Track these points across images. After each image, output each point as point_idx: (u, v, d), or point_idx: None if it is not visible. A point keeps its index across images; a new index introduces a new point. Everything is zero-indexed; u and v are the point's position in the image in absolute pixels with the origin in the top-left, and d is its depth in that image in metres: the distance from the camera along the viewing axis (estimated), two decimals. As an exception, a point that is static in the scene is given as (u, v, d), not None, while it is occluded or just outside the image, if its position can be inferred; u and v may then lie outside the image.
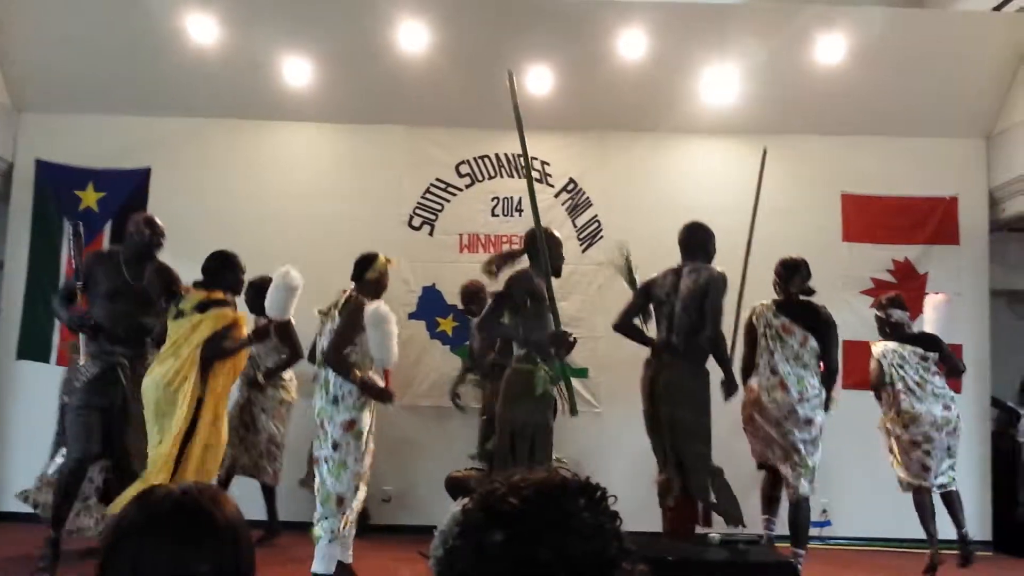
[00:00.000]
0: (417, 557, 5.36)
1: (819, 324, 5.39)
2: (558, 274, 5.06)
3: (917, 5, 7.30)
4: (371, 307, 4.63)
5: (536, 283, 4.84)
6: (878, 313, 6.13)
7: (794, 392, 5.26)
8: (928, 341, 5.87)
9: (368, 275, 4.91)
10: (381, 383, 4.70)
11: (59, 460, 5.48)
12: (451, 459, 6.48)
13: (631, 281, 5.53)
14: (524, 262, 5.01)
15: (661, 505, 5.11)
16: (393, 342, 4.65)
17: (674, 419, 4.94)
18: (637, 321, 5.33)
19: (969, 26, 7.07)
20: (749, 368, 5.56)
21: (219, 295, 5.07)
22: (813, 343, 5.37)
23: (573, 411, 5.08)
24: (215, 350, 4.94)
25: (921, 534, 5.69)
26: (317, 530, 4.57)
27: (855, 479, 6.71)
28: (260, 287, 5.59)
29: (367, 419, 4.71)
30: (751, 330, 5.54)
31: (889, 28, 6.82)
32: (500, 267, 4.97)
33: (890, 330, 6.00)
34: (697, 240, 5.20)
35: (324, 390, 4.67)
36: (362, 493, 4.78)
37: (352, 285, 4.93)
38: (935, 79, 6.99)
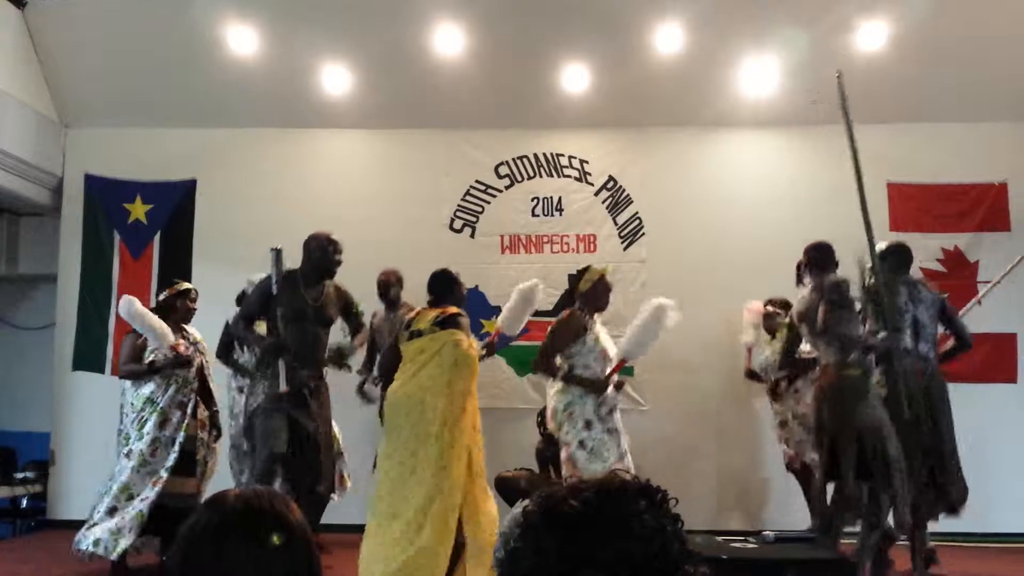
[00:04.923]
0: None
1: None
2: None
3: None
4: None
5: None
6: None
7: None
8: None
9: (581, 286, 5.12)
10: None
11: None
12: (498, 459, 6.47)
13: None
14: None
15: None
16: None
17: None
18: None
19: (1013, 7, 6.89)
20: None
21: (454, 309, 4.84)
22: None
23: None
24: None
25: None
26: None
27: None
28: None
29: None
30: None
31: (932, 12, 6.67)
32: None
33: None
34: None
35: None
36: None
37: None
38: (979, 63, 6.83)
